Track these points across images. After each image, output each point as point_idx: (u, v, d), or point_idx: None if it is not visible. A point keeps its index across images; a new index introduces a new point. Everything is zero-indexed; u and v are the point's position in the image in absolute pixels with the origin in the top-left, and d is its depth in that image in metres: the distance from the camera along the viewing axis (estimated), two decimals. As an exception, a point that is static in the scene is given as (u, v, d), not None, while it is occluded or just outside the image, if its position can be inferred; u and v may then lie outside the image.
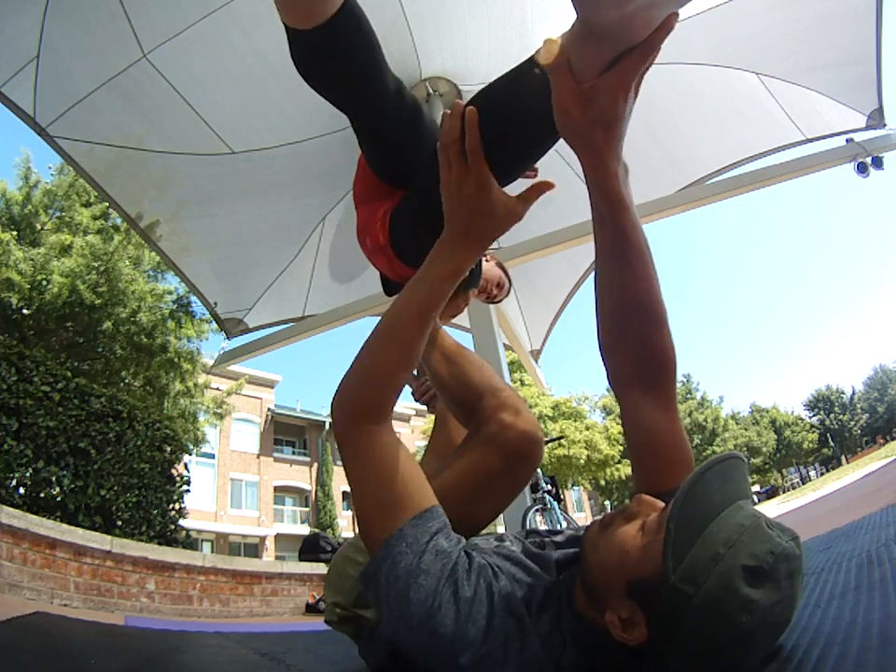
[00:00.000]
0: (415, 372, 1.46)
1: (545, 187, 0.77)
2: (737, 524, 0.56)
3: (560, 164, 4.16)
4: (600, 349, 0.84)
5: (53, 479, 3.54)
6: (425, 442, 21.56)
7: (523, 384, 18.16)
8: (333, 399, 0.76)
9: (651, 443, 0.79)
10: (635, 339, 0.78)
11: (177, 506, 4.85)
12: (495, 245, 4.39)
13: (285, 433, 25.22)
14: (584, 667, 0.65)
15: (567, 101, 0.65)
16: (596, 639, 0.65)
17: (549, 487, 3.41)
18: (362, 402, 0.75)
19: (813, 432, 36.81)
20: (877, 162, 3.31)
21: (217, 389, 11.69)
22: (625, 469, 19.12)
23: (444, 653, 0.63)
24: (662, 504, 0.65)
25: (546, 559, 0.81)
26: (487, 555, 0.75)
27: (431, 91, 3.81)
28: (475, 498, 0.89)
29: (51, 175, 9.07)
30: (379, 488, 0.71)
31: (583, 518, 30.42)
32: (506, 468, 0.88)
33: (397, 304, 0.79)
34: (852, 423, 38.62)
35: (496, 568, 0.71)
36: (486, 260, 1.70)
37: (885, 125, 3.33)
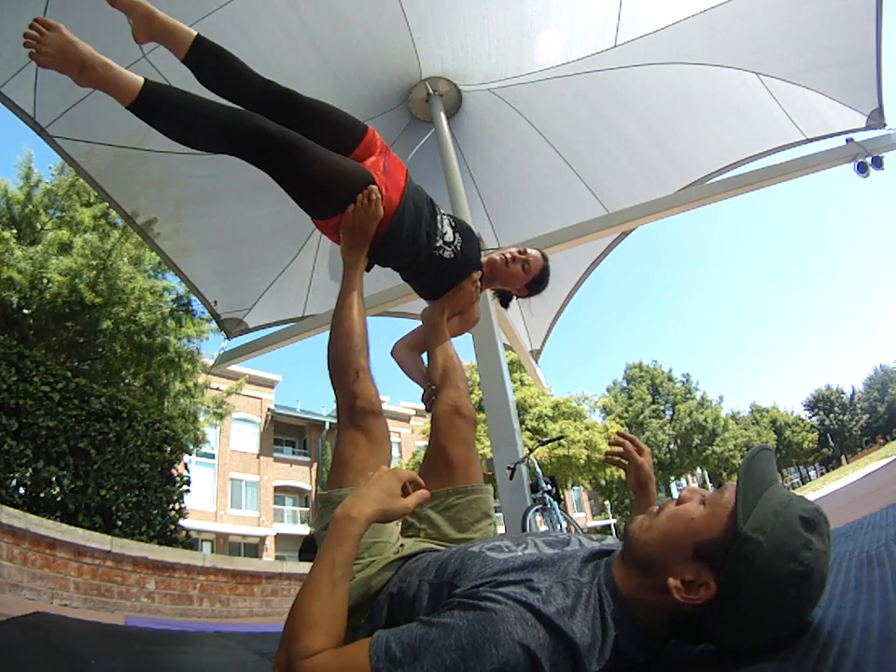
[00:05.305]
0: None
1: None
2: (785, 493, 0.71)
3: (561, 165, 4.16)
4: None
5: (53, 479, 3.54)
6: (425, 442, 21.53)
7: (523, 384, 18.15)
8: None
9: None
10: None
11: (177, 506, 4.85)
12: (495, 244, 4.38)
13: (285, 433, 25.21)
14: (632, 646, 0.71)
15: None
16: (642, 617, 0.72)
17: (549, 487, 3.40)
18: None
19: (813, 432, 36.78)
20: (877, 162, 3.31)
21: (217, 389, 11.68)
22: (625, 469, 19.05)
23: None
24: (706, 490, 0.77)
25: (570, 555, 0.81)
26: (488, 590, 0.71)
27: (431, 91, 3.81)
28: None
29: (52, 174, 9.06)
30: None
31: (583, 518, 30.37)
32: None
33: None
34: (852, 423, 38.58)
35: (494, 614, 0.66)
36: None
37: (885, 125, 3.33)
